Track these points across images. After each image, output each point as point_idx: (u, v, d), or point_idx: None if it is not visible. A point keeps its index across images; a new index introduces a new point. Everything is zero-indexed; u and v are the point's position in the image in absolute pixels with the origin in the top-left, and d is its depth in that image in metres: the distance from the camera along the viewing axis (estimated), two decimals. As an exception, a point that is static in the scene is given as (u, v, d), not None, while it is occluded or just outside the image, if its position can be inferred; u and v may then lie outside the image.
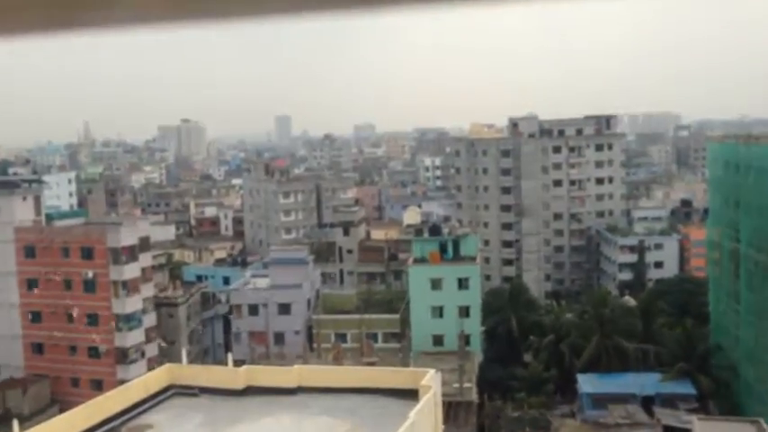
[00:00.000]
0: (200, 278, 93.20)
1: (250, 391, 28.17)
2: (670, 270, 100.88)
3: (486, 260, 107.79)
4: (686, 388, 57.50)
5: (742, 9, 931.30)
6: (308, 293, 76.38)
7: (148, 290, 71.22)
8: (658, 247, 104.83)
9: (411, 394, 26.27)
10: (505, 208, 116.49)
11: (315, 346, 69.25)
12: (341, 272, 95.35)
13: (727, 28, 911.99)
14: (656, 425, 50.95)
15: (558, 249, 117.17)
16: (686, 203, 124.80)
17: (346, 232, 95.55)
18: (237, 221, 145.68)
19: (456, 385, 58.09)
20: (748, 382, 57.40)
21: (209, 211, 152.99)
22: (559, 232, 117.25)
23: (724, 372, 60.40)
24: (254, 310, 73.81)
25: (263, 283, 78.24)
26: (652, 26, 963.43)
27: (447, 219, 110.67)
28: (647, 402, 55.92)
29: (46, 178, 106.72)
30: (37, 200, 74.38)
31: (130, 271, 68.09)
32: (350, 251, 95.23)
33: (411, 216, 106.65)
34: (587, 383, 59.37)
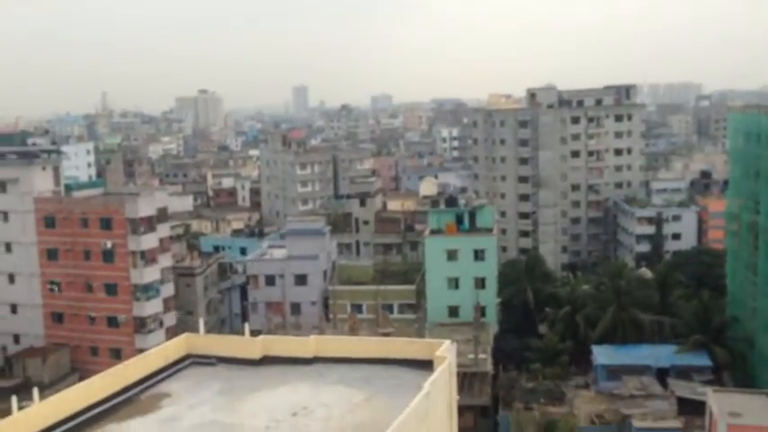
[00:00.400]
0: (217, 248, 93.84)
1: (266, 360, 28.42)
2: (688, 242, 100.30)
3: (503, 231, 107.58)
4: (701, 360, 57.42)
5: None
6: (324, 264, 76.74)
7: (166, 260, 71.85)
8: (676, 218, 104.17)
9: (426, 365, 26.39)
10: (523, 179, 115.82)
11: (331, 316, 69.75)
12: (357, 243, 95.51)
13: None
14: (670, 396, 51.01)
15: (575, 221, 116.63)
16: (705, 175, 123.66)
17: (363, 203, 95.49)
18: (255, 192, 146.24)
19: (471, 356, 58.39)
20: (764, 353, 57.16)
21: (227, 182, 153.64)
22: (576, 204, 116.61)
23: (740, 344, 60.22)
24: (270, 280, 74.32)
25: (279, 253, 78.68)
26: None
27: (464, 190, 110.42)
28: (662, 374, 55.95)
29: (64, 149, 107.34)
30: (56, 170, 74.93)
31: (148, 241, 68.66)
32: (366, 222, 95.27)
33: (427, 187, 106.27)
34: (602, 355, 59.43)
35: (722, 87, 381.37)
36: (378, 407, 23.87)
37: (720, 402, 35.39)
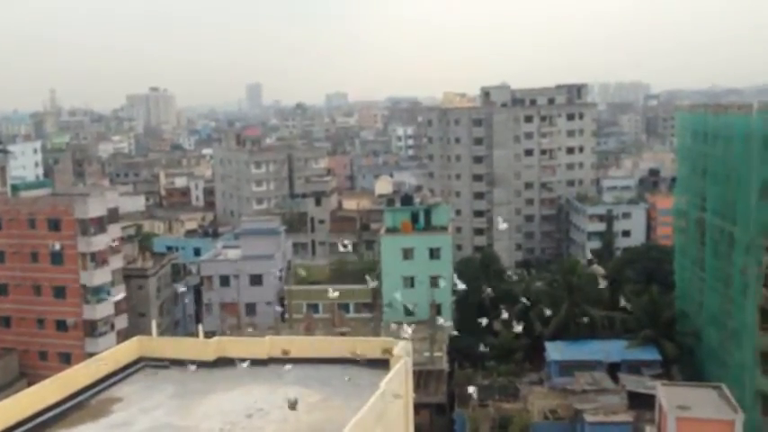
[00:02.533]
0: (170, 249, 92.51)
1: (221, 362, 28.17)
2: (637, 238, 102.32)
3: (458, 230, 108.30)
4: (651, 354, 58.63)
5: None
6: (279, 264, 76.29)
7: (117, 261, 70.56)
8: (626, 215, 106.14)
9: (382, 364, 26.49)
10: (477, 177, 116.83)
11: (287, 316, 69.36)
12: (313, 242, 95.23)
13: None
14: (621, 391, 51.99)
15: (529, 218, 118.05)
16: (654, 173, 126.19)
17: (318, 202, 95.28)
18: (208, 192, 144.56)
19: (427, 354, 58.74)
20: (711, 347, 58.61)
21: (180, 182, 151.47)
22: (530, 201, 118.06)
23: (688, 338, 61.63)
24: (225, 281, 73.60)
25: (234, 254, 77.93)
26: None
27: (419, 188, 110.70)
28: (613, 369, 56.97)
29: (11, 148, 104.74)
30: (2, 170, 73.12)
31: (99, 242, 67.35)
32: (322, 221, 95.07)
33: (383, 186, 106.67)
34: (555, 351, 60.26)
35: (670, 87, 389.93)
36: (334, 407, 23.86)
37: (669, 396, 36.19)
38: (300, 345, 30.22)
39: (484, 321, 50.26)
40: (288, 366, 27.02)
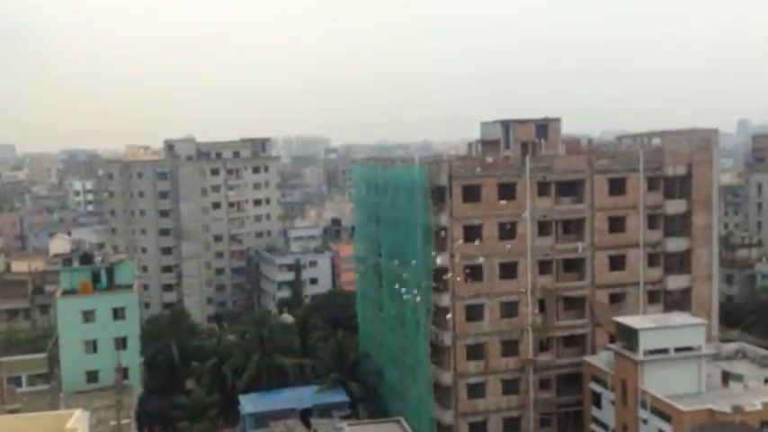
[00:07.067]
0: None
1: None
2: (324, 285, 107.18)
3: (145, 287, 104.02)
4: (339, 396, 61.33)
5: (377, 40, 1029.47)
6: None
7: None
8: (313, 264, 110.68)
9: (56, 441, 24.22)
10: (164, 232, 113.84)
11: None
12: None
13: (369, 58, 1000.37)
14: (314, 435, 53.46)
15: (220, 272, 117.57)
16: (336, 222, 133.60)
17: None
18: None
19: (113, 423, 54.90)
20: (392, 384, 63.00)
21: None
22: (220, 254, 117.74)
23: (371, 377, 65.61)
24: None
25: None
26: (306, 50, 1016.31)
27: (101, 246, 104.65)
28: (306, 414, 58.48)
29: None
30: None
31: None
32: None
33: (59, 244, 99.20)
34: (249, 403, 60.28)
35: (348, 141, 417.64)
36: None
37: (356, 434, 38.02)
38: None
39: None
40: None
